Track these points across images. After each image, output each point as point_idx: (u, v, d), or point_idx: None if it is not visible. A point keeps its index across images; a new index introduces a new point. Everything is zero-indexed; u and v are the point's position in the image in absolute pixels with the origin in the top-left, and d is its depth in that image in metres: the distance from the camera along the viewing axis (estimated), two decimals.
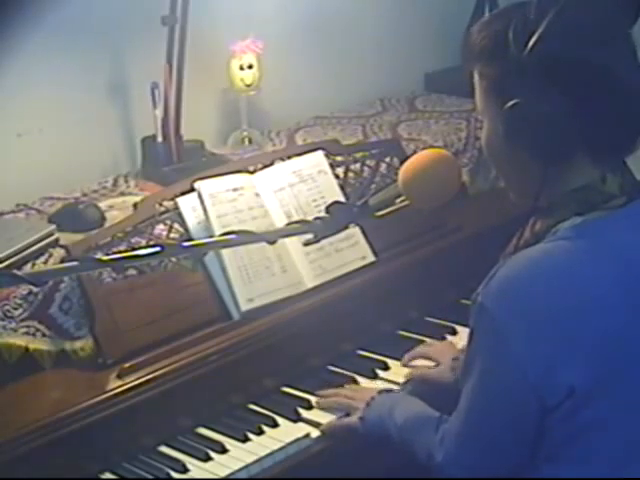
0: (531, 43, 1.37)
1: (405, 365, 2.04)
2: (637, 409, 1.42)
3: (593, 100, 1.38)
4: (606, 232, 1.42)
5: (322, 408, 1.89)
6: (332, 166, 2.23)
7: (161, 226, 2.03)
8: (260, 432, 1.85)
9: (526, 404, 1.40)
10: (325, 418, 1.87)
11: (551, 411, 1.40)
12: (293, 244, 2.05)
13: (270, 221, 2.08)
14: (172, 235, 2.03)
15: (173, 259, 1.98)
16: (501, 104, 1.40)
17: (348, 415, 1.83)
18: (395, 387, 1.95)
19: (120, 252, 1.45)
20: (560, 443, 1.42)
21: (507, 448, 1.46)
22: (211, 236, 1.90)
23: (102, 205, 2.20)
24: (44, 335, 1.87)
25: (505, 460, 1.47)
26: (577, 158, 1.42)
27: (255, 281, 2.00)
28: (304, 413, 1.90)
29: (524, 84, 1.38)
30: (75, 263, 1.39)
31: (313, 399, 1.93)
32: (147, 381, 1.82)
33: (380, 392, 1.81)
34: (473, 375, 1.45)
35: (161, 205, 2.05)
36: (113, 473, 1.77)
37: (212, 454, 1.80)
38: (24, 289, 1.85)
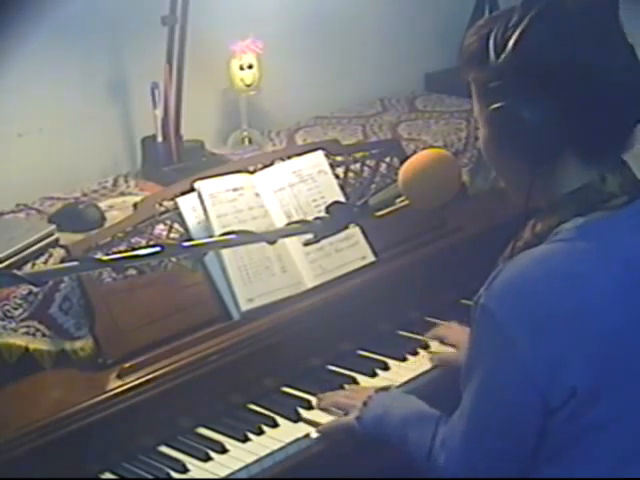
0: (508, 47, 1.39)
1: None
2: (638, 410, 1.42)
3: (573, 100, 1.38)
4: (608, 233, 1.42)
5: (321, 408, 1.89)
6: (332, 166, 2.23)
7: (161, 226, 2.03)
8: (260, 432, 1.85)
9: (530, 405, 1.40)
10: (325, 418, 1.87)
11: (554, 412, 1.40)
12: (293, 244, 2.05)
13: (270, 221, 2.08)
14: (172, 235, 2.03)
15: (173, 259, 1.98)
16: (487, 107, 1.42)
17: (346, 415, 1.83)
18: (394, 383, 1.94)
19: (120, 252, 1.45)
20: (562, 444, 1.42)
21: (510, 449, 1.45)
22: (211, 236, 1.90)
23: (102, 205, 2.20)
24: (44, 335, 1.87)
25: (508, 461, 1.47)
26: (566, 159, 1.43)
27: (255, 281, 2.00)
28: (304, 413, 1.90)
29: (505, 87, 1.40)
30: (75, 263, 1.39)
31: (313, 399, 1.93)
32: (147, 381, 1.82)
33: (377, 391, 1.80)
34: (476, 377, 1.45)
35: (161, 205, 2.05)
36: (113, 473, 1.77)
37: (212, 454, 1.80)
38: (24, 289, 1.85)
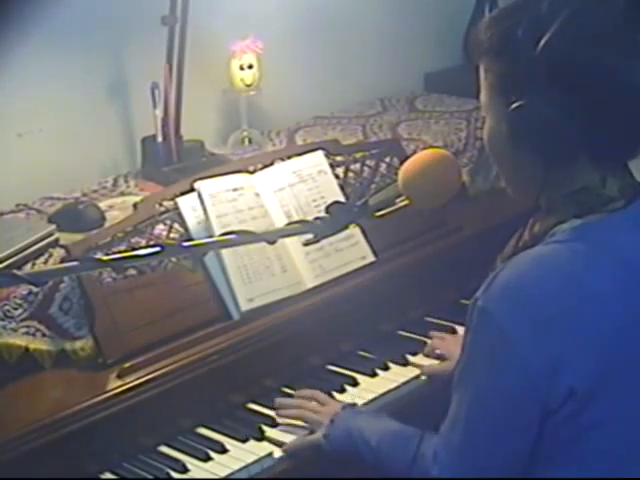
0: (542, 43, 1.35)
1: (427, 356, 2.07)
2: (636, 410, 1.42)
3: (602, 104, 1.36)
4: (605, 234, 1.42)
5: (284, 421, 1.86)
6: (332, 166, 2.23)
7: (161, 226, 2.03)
8: (260, 432, 1.85)
9: (530, 406, 1.39)
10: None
11: (552, 413, 1.39)
12: (293, 244, 2.05)
13: (270, 221, 2.08)
14: (172, 235, 2.03)
15: (173, 259, 1.98)
16: (506, 103, 1.39)
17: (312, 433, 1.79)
18: (360, 401, 1.92)
19: (120, 252, 1.45)
20: (560, 444, 1.42)
21: (510, 451, 1.44)
22: (211, 236, 1.90)
23: (102, 205, 2.20)
24: (44, 335, 1.87)
25: (508, 462, 1.46)
26: (578, 160, 1.42)
27: (255, 281, 2.00)
28: None
29: (531, 84, 1.37)
30: (75, 263, 1.38)
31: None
32: (147, 381, 1.82)
33: (344, 407, 1.78)
34: (473, 380, 1.44)
35: (161, 205, 2.05)
36: (113, 473, 1.77)
37: (212, 454, 1.80)
38: (24, 289, 1.85)
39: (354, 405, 1.85)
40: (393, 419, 1.67)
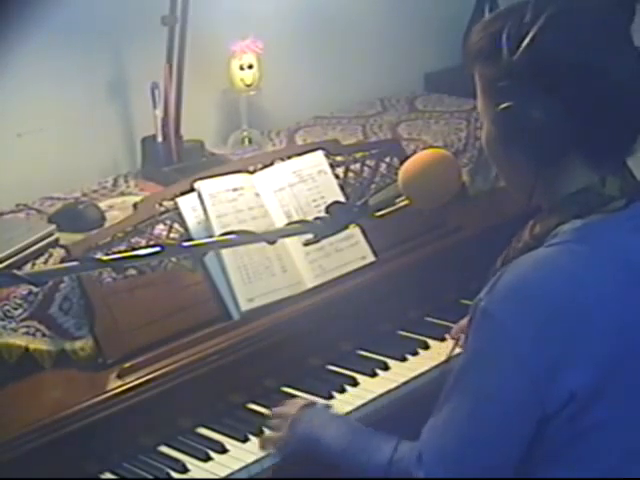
0: (522, 46, 1.38)
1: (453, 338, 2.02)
2: (637, 410, 1.42)
3: (585, 103, 1.38)
4: (607, 235, 1.42)
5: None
6: (332, 166, 2.23)
7: (161, 226, 2.03)
8: (260, 432, 1.85)
9: (529, 408, 1.39)
10: None
11: (552, 416, 1.39)
12: (293, 244, 2.05)
13: (270, 221, 2.08)
14: (172, 235, 2.03)
15: (173, 259, 1.98)
16: (495, 106, 1.41)
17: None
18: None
19: (120, 252, 1.45)
20: (561, 445, 1.42)
21: (505, 452, 1.43)
22: (211, 236, 1.90)
23: (102, 205, 2.20)
24: (44, 335, 1.87)
25: (501, 465, 1.45)
26: (571, 161, 1.42)
27: (255, 281, 2.00)
28: None
29: (516, 87, 1.39)
30: (75, 263, 1.38)
31: (313, 399, 1.92)
32: (147, 381, 1.82)
33: (304, 407, 1.72)
34: (472, 381, 1.43)
35: (161, 205, 2.05)
36: (113, 473, 1.77)
37: (212, 454, 1.80)
38: (24, 289, 1.85)
39: (314, 404, 1.77)
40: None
